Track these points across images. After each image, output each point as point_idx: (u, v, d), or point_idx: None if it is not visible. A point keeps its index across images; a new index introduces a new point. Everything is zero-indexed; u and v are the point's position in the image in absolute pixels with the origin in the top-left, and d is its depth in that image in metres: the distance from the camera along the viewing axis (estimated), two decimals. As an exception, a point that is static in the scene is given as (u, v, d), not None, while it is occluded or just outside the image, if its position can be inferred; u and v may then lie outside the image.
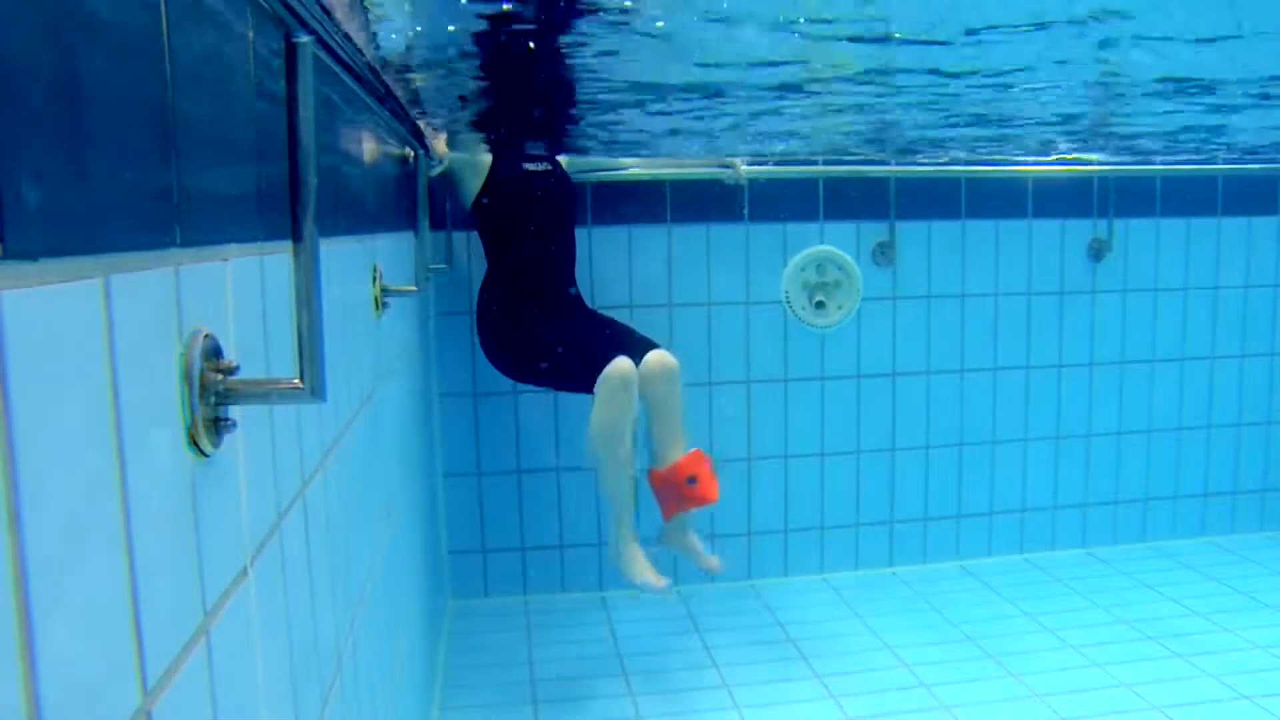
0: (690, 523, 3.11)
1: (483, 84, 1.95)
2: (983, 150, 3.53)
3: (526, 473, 3.67)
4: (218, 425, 0.79)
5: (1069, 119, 2.73)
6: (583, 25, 1.49)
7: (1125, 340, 4.15)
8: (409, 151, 2.64)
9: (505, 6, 1.35)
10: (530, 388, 3.48)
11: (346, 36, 1.26)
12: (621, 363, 2.92)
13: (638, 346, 3.08)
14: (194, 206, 0.80)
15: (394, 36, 1.45)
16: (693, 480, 2.96)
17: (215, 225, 0.86)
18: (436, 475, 3.51)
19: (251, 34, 0.99)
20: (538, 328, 3.15)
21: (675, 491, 3.00)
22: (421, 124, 2.50)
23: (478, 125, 2.71)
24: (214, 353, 0.79)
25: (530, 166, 3.29)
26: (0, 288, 0.49)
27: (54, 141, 0.57)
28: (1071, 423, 4.14)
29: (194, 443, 0.75)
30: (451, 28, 1.49)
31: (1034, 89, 2.19)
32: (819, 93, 2.20)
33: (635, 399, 2.94)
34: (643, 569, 3.00)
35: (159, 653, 0.67)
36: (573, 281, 3.31)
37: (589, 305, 3.39)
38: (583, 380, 2.99)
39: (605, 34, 1.55)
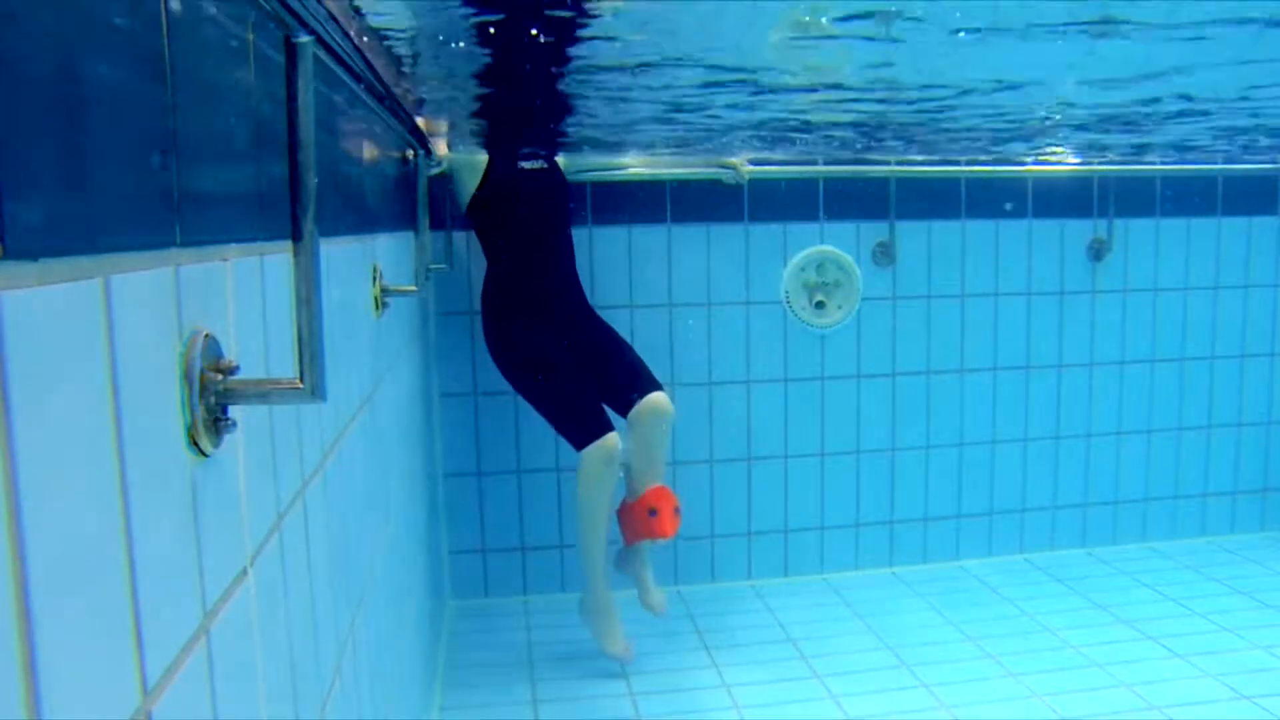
0: (648, 557, 3.24)
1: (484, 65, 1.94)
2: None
3: (526, 473, 3.67)
4: (218, 425, 0.79)
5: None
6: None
7: (1125, 340, 4.15)
8: (409, 151, 2.64)
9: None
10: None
11: (346, 36, 1.26)
12: (607, 441, 3.00)
13: (637, 383, 3.16)
14: (194, 206, 0.80)
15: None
16: (653, 512, 3.09)
17: (215, 225, 0.86)
18: (436, 475, 3.51)
19: (251, 34, 0.99)
20: (535, 337, 3.15)
21: (636, 521, 3.13)
22: (421, 123, 2.50)
23: (479, 116, 2.70)
24: (214, 353, 0.79)
25: (526, 165, 3.29)
26: (0, 288, 0.49)
27: (54, 142, 0.57)
28: (1071, 423, 4.14)
29: (194, 443, 0.75)
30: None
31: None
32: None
33: (617, 472, 3.06)
34: (614, 639, 3.13)
35: (159, 653, 0.67)
36: (573, 279, 3.31)
37: (590, 302, 3.37)
38: (566, 427, 3.09)
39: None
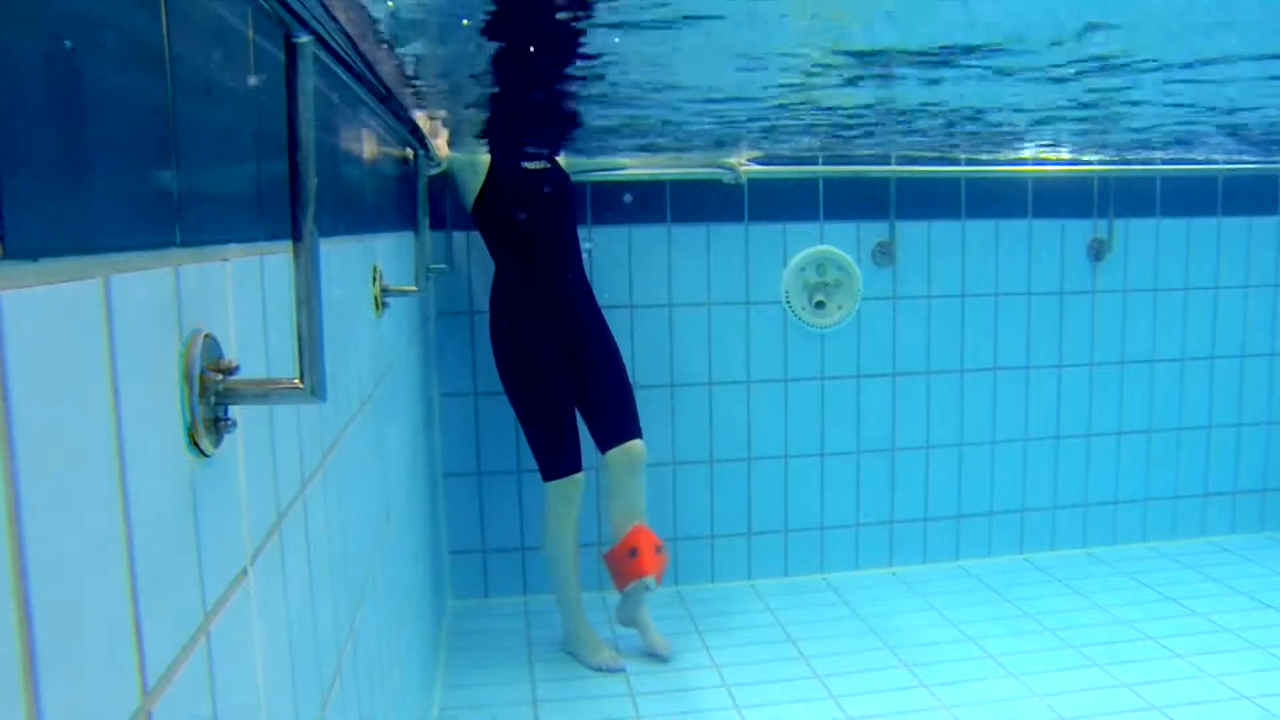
0: (643, 601, 3.27)
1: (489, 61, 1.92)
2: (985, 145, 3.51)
3: (526, 473, 3.66)
4: (218, 425, 0.79)
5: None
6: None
7: (1125, 340, 4.15)
8: (409, 151, 2.63)
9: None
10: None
11: (346, 36, 1.26)
12: (572, 481, 3.16)
13: (620, 427, 3.23)
14: (194, 206, 0.80)
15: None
16: (633, 552, 3.15)
17: (215, 225, 0.86)
18: (436, 475, 3.51)
19: (251, 34, 0.99)
20: (536, 356, 3.18)
21: (620, 563, 3.18)
22: (421, 117, 2.49)
23: (484, 127, 2.69)
24: (214, 353, 0.79)
25: (529, 165, 3.28)
26: (0, 288, 0.49)
27: (54, 142, 0.57)
28: (1071, 423, 4.14)
29: (194, 443, 0.75)
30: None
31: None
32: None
33: (578, 510, 3.21)
34: (599, 653, 3.21)
35: (159, 653, 0.67)
36: (581, 279, 3.30)
37: (595, 300, 3.37)
38: (539, 455, 3.20)
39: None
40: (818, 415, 3.90)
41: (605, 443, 3.25)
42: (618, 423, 3.25)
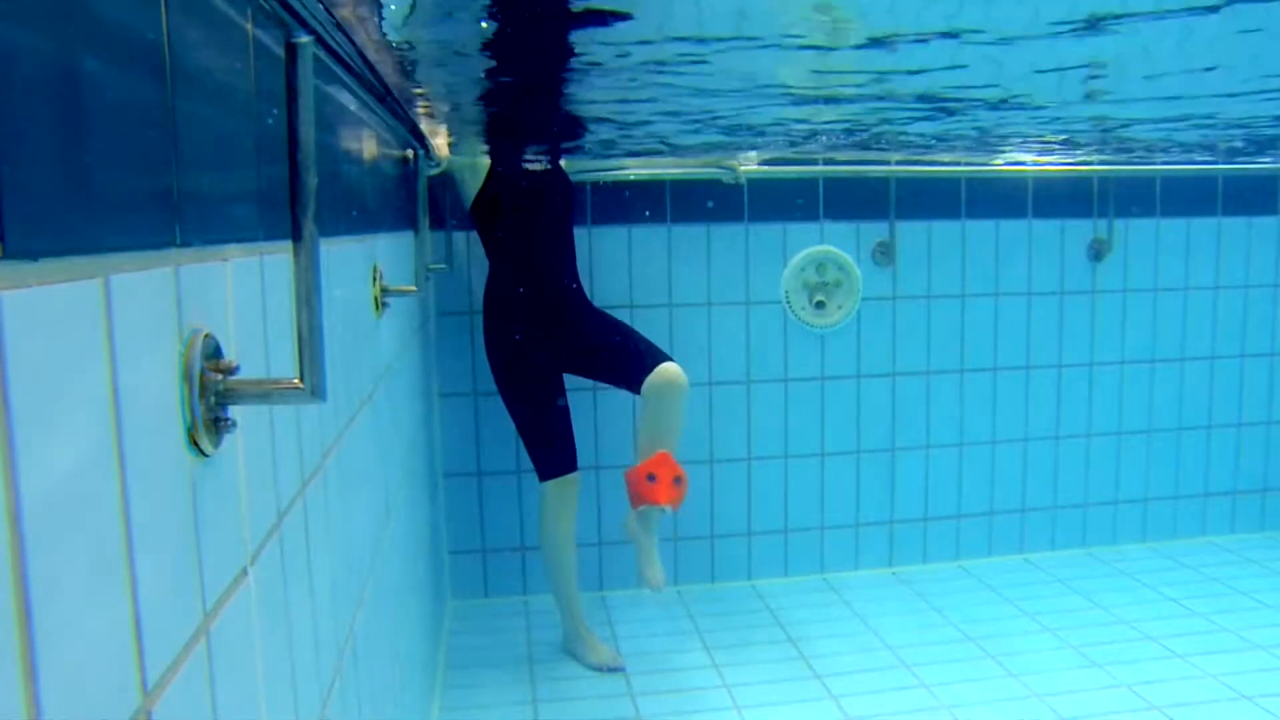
0: (653, 527, 3.15)
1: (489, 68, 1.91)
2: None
3: (526, 473, 3.66)
4: (218, 425, 0.79)
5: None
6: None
7: (1125, 340, 4.15)
8: (409, 151, 2.63)
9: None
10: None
11: (347, 37, 1.26)
12: (567, 480, 3.16)
13: (646, 360, 3.10)
14: (194, 206, 0.80)
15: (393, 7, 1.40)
16: (652, 478, 3.02)
17: (215, 225, 0.86)
18: (436, 475, 3.51)
19: (252, 33, 0.99)
20: (529, 354, 3.16)
21: (636, 485, 3.05)
22: (421, 114, 2.49)
23: (484, 126, 2.68)
24: (214, 353, 0.79)
25: (529, 165, 3.28)
26: (0, 288, 0.49)
27: (54, 142, 0.57)
28: (1071, 423, 4.14)
29: (194, 443, 0.75)
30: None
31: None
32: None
33: (575, 509, 3.20)
34: (599, 654, 3.21)
35: (159, 653, 0.67)
36: (574, 279, 3.30)
37: (590, 301, 3.36)
38: (535, 454, 3.19)
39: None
40: (818, 415, 3.90)
41: (635, 383, 3.09)
42: (641, 360, 3.11)
